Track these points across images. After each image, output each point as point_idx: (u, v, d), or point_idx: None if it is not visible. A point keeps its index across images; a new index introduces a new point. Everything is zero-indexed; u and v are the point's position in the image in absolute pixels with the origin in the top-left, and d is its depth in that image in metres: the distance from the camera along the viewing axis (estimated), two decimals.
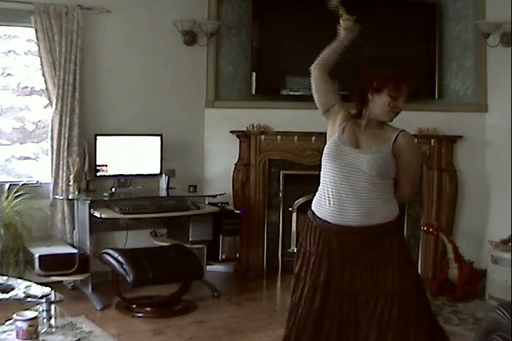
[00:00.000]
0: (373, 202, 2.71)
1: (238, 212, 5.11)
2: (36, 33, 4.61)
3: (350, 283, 2.75)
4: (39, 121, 5.04)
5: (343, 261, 2.76)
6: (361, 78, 2.82)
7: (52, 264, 4.32)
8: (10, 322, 2.77)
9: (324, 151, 2.80)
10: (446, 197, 5.12)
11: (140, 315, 4.25)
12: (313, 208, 2.84)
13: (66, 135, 4.74)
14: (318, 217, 2.79)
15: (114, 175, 4.96)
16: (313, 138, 5.19)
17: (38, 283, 3.31)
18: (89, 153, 4.87)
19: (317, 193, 2.84)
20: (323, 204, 2.77)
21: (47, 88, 4.72)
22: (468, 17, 5.18)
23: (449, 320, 4.25)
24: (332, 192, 2.74)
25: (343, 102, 2.85)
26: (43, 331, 2.75)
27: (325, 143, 2.84)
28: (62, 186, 4.76)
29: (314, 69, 2.84)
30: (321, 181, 2.83)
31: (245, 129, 5.30)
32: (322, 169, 2.82)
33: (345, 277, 2.75)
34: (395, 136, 2.77)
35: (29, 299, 3.06)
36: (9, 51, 4.89)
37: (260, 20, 5.31)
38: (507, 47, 5.01)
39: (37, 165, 5.03)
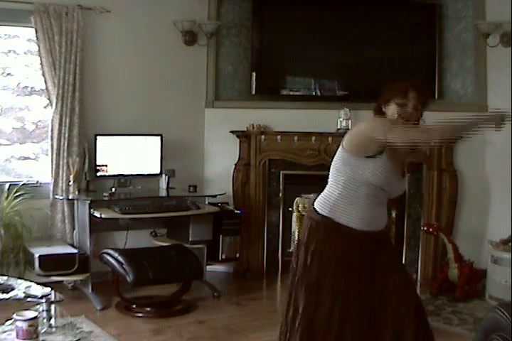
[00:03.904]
0: (385, 208, 2.81)
1: (238, 212, 5.11)
2: (36, 33, 4.60)
3: (366, 287, 2.74)
4: (39, 121, 5.04)
5: (360, 266, 2.75)
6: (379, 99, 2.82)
7: (52, 264, 4.32)
8: (10, 322, 2.78)
9: (372, 170, 2.69)
10: (446, 197, 5.12)
11: (140, 315, 4.24)
12: (330, 214, 2.74)
13: (66, 135, 4.74)
14: (337, 223, 2.73)
15: (114, 175, 4.96)
16: (313, 138, 5.19)
17: (38, 283, 3.31)
18: (89, 153, 4.87)
19: (339, 199, 2.74)
20: (349, 210, 2.73)
21: (47, 88, 4.72)
22: (468, 17, 5.17)
23: (449, 320, 4.25)
24: (364, 200, 2.72)
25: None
26: (43, 331, 2.75)
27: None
28: (62, 186, 4.76)
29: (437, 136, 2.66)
30: (343, 187, 2.73)
31: (245, 129, 5.30)
32: (347, 177, 2.73)
33: (362, 282, 2.73)
34: None
35: (29, 299, 3.06)
36: (9, 51, 4.89)
37: (260, 20, 5.31)
38: (507, 47, 5.01)
39: (37, 165, 5.03)
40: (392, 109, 2.72)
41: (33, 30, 4.60)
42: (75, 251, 4.49)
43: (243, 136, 5.31)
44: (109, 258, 4.29)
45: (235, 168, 5.34)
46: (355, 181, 2.71)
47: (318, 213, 2.78)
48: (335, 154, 2.83)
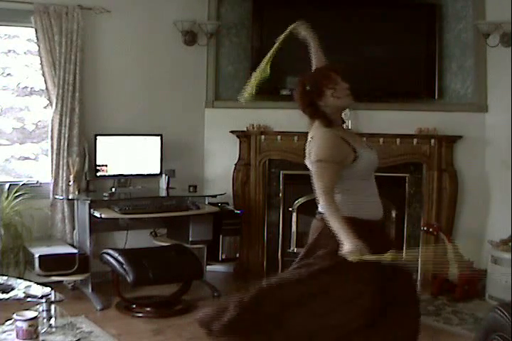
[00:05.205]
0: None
1: (238, 212, 5.10)
2: (36, 33, 4.61)
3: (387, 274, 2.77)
4: (39, 122, 5.04)
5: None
6: (301, 99, 2.89)
7: (52, 264, 4.33)
8: (10, 322, 2.78)
9: (359, 168, 2.76)
10: (446, 197, 5.11)
11: (140, 315, 4.25)
12: (353, 214, 2.75)
13: (66, 135, 4.74)
14: (360, 219, 2.76)
15: (114, 175, 4.97)
16: None
17: (38, 283, 3.31)
18: (89, 153, 4.87)
19: (356, 201, 2.79)
20: (369, 203, 2.81)
21: (47, 88, 4.72)
22: (468, 17, 5.17)
23: (449, 320, 4.25)
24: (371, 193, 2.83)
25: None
26: (43, 331, 2.76)
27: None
28: (62, 186, 4.77)
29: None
30: (354, 191, 2.78)
31: (245, 129, 5.30)
32: (351, 181, 2.78)
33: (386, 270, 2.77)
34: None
35: (29, 299, 3.07)
36: (9, 51, 4.89)
37: (260, 20, 5.31)
38: (507, 47, 5.00)
39: (37, 165, 5.03)
40: (328, 97, 2.80)
41: (33, 30, 4.60)
42: (75, 251, 4.49)
43: (243, 136, 5.31)
44: (109, 258, 4.29)
45: (235, 168, 5.33)
46: (360, 181, 2.79)
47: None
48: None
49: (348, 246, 2.54)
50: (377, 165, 2.91)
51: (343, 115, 5.16)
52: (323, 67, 2.87)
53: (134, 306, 4.32)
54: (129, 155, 4.99)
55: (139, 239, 4.99)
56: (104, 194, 4.73)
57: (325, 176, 2.68)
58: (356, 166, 2.75)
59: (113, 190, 4.91)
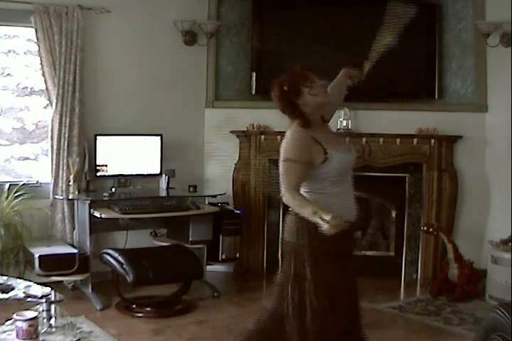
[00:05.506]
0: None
1: (238, 212, 5.10)
2: (36, 33, 4.61)
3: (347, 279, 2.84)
4: (39, 122, 5.04)
5: (345, 258, 2.84)
6: (280, 99, 2.89)
7: (52, 264, 4.32)
8: (10, 322, 2.78)
9: (329, 170, 2.75)
10: (446, 197, 5.11)
11: (140, 315, 4.25)
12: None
13: (66, 135, 4.74)
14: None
15: (114, 175, 4.97)
16: None
17: (38, 283, 3.31)
18: (89, 153, 4.87)
19: (328, 200, 2.77)
20: (344, 209, 2.79)
21: (47, 88, 4.72)
22: (468, 17, 5.17)
23: (449, 320, 4.25)
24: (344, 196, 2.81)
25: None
26: (43, 331, 2.76)
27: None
28: (62, 186, 4.77)
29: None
30: (326, 191, 2.79)
31: (245, 129, 5.30)
32: (322, 182, 2.78)
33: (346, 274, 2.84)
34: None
35: (29, 299, 3.06)
36: (9, 51, 4.89)
37: (260, 20, 5.32)
38: (507, 47, 5.00)
39: (37, 166, 5.03)
40: (306, 96, 2.80)
41: (33, 30, 4.60)
42: (75, 251, 4.49)
43: (243, 136, 5.31)
44: (109, 258, 4.29)
45: (235, 168, 5.34)
46: (333, 182, 2.78)
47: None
48: None
49: (328, 218, 2.50)
50: (353, 167, 2.88)
51: (342, 115, 5.21)
52: (299, 67, 2.88)
53: (134, 306, 4.32)
54: (129, 155, 4.99)
55: (139, 239, 4.99)
56: (104, 194, 4.73)
57: (291, 175, 2.72)
58: (326, 168, 2.74)
59: (113, 190, 4.91)
